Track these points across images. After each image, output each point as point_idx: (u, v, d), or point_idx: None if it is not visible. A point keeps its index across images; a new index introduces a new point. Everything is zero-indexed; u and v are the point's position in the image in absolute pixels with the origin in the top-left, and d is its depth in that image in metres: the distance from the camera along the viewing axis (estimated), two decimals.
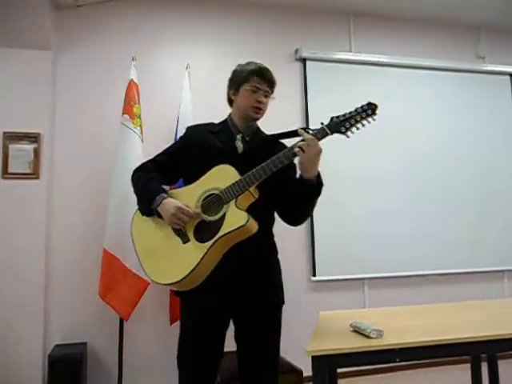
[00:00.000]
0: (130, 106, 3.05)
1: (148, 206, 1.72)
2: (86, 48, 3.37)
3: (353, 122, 1.65)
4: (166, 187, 1.81)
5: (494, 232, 3.96)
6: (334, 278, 3.58)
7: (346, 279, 3.60)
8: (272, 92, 1.85)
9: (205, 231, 1.64)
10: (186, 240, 1.66)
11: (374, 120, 1.67)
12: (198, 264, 1.59)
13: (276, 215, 1.87)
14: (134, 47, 3.36)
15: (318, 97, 3.72)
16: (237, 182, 1.63)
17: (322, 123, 1.66)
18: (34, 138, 3.10)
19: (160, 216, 1.70)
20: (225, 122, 1.88)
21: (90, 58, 3.37)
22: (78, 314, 3.13)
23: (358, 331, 1.62)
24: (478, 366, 2.43)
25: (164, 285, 1.67)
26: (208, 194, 1.67)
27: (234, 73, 1.87)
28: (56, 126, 3.26)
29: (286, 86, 3.70)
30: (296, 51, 3.76)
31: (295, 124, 3.42)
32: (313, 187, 1.66)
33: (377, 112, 1.66)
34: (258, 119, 1.84)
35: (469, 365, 2.48)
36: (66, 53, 3.33)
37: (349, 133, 1.66)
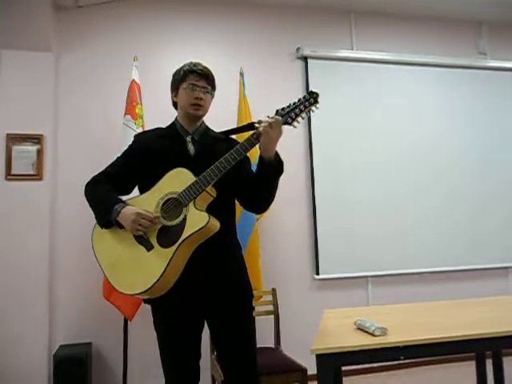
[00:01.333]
0: (132, 106, 3.06)
1: (107, 217, 1.69)
2: (88, 49, 3.38)
3: (298, 112, 1.69)
4: (122, 197, 1.78)
5: (497, 229, 3.94)
6: (338, 277, 3.58)
7: (350, 277, 3.60)
8: (212, 87, 1.85)
9: (168, 236, 1.62)
10: (149, 247, 1.64)
11: (317, 108, 1.70)
12: (165, 270, 1.57)
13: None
14: (136, 48, 3.36)
15: (320, 95, 3.70)
16: (193, 183, 1.63)
17: (268, 117, 1.69)
18: (36, 139, 3.12)
19: (120, 226, 1.68)
20: (172, 125, 1.89)
21: (92, 59, 3.38)
22: (83, 314, 3.14)
23: (362, 329, 1.63)
24: (483, 363, 2.43)
25: (133, 295, 1.64)
26: (166, 198, 1.66)
27: (173, 76, 1.88)
28: (59, 127, 3.28)
29: (287, 85, 3.71)
30: (297, 50, 3.75)
31: None
32: (274, 165, 1.68)
33: (319, 100, 1.69)
34: (199, 116, 1.83)
35: (473, 362, 2.48)
36: (68, 54, 3.34)
37: (295, 123, 1.69)
